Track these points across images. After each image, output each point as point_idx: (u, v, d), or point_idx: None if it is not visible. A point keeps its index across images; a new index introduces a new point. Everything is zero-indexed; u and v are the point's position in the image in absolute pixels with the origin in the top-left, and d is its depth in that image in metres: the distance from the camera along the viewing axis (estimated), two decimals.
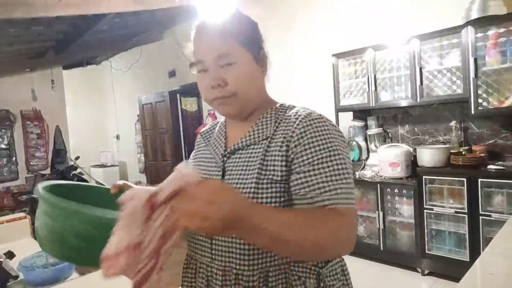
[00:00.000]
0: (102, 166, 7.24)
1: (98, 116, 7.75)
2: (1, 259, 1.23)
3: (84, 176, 5.56)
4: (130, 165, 7.47)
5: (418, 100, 2.86)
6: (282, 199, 0.72)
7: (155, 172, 6.55)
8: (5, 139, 5.97)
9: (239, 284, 0.73)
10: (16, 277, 1.23)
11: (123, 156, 7.56)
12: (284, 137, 0.74)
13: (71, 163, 5.69)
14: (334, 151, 0.71)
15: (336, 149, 0.71)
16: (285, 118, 0.78)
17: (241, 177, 0.76)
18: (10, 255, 1.37)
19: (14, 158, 6.03)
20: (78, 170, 5.48)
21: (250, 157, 0.77)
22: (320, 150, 0.70)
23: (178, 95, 6.05)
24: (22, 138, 6.08)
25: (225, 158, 0.82)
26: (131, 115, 7.08)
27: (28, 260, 1.27)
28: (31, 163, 6.18)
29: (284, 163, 0.72)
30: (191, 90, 5.74)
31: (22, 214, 2.04)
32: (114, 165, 7.31)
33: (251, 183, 0.73)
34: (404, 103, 2.96)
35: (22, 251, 1.43)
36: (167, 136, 6.20)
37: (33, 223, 1.97)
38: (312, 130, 0.72)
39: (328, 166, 0.69)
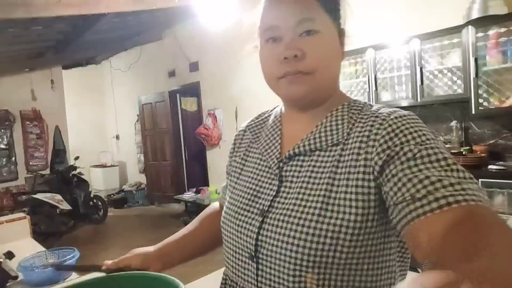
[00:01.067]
0: (102, 166, 7.24)
1: (98, 116, 7.74)
2: (1, 260, 1.23)
3: (84, 177, 5.55)
4: (129, 165, 7.47)
5: (419, 100, 2.85)
6: (356, 224, 0.54)
7: (155, 172, 6.54)
8: (5, 139, 5.96)
9: None
10: (16, 277, 1.22)
11: (123, 156, 7.55)
12: (360, 145, 0.57)
13: (71, 163, 5.68)
14: (440, 150, 0.52)
15: (442, 150, 0.52)
16: (360, 118, 0.61)
17: (304, 193, 0.59)
18: (9, 255, 1.37)
19: (13, 158, 6.02)
20: (78, 170, 5.48)
21: (315, 166, 0.60)
22: (422, 144, 0.52)
23: (178, 95, 6.05)
24: (21, 138, 6.07)
25: (281, 164, 0.64)
26: (130, 115, 7.08)
27: (27, 261, 1.27)
28: (30, 163, 6.17)
29: (361, 178, 0.55)
30: (191, 90, 5.74)
31: (21, 215, 2.02)
32: (113, 165, 7.30)
33: (317, 202, 0.56)
34: (404, 103, 2.95)
35: (22, 252, 1.42)
36: (167, 137, 6.19)
37: (32, 224, 1.96)
38: (404, 128, 0.54)
39: (438, 160, 0.50)
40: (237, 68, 4.57)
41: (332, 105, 0.65)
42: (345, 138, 0.60)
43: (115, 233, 5.18)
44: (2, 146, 5.93)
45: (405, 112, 0.58)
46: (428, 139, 0.53)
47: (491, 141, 2.75)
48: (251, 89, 4.26)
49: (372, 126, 0.57)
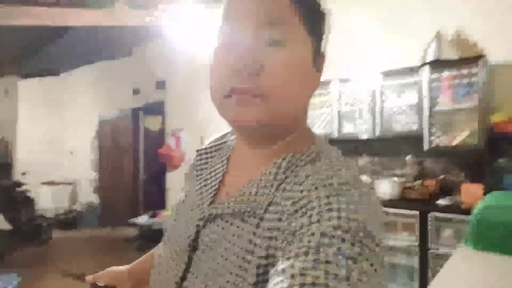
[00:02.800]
0: (52, 183, 6.80)
1: (54, 130, 7.34)
2: None
3: (31, 194, 5.19)
4: (83, 184, 7.08)
5: (378, 133, 2.97)
6: None
7: (110, 192, 6.24)
8: None
9: None
10: None
11: (77, 173, 7.17)
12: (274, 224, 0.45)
13: (17, 178, 5.30)
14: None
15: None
16: (292, 182, 0.47)
17: (211, 277, 0.47)
18: None
19: None
20: (24, 187, 5.11)
21: (230, 240, 0.47)
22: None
23: (140, 112, 5.91)
24: None
25: (201, 223, 0.52)
26: (88, 131, 6.79)
27: None
28: None
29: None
30: (155, 109, 5.63)
31: None
32: (65, 183, 6.89)
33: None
34: (364, 136, 3.06)
35: None
36: (127, 155, 5.98)
37: None
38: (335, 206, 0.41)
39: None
40: (206, 90, 4.55)
41: (289, 146, 0.52)
42: (265, 209, 0.46)
43: (60, 257, 4.81)
44: None
45: (349, 180, 0.44)
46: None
47: (441, 177, 2.89)
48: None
49: (287, 199, 0.45)
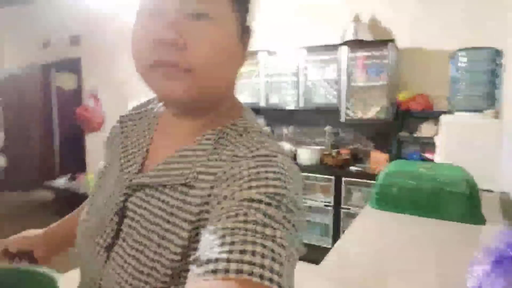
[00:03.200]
0: None
1: None
2: None
3: None
4: None
5: (301, 105, 3.20)
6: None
7: (17, 155, 5.67)
8: None
9: None
10: None
11: None
12: (201, 192, 0.47)
13: None
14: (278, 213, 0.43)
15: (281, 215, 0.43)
16: (224, 153, 0.50)
17: (138, 249, 0.49)
18: None
19: None
20: None
21: (160, 208, 0.49)
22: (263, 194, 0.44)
23: (52, 69, 5.35)
24: None
25: (129, 191, 0.53)
26: None
27: None
28: None
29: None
30: (69, 66, 5.15)
31: None
32: None
33: (147, 258, 0.47)
34: (290, 107, 3.27)
35: None
36: (37, 114, 5.43)
37: None
38: (254, 168, 0.46)
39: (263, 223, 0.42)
40: (127, 47, 4.29)
41: (217, 119, 0.54)
42: (195, 178, 0.48)
43: None
44: None
45: (274, 151, 0.48)
46: (276, 195, 0.42)
47: (354, 146, 3.27)
48: None
49: (219, 168, 0.48)
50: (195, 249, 0.43)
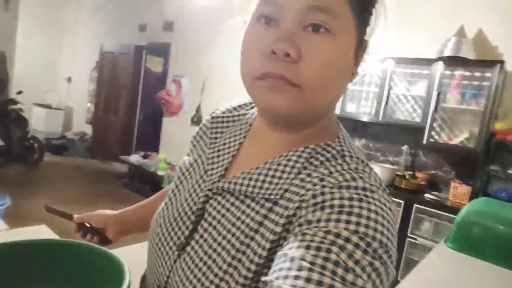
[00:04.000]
0: (46, 107, 6.72)
1: (52, 52, 7.13)
2: None
3: (24, 114, 5.14)
4: (77, 113, 7.04)
5: (380, 118, 2.99)
6: None
7: (103, 126, 6.23)
8: None
9: None
10: None
11: (72, 101, 7.08)
12: (284, 211, 0.44)
13: (12, 96, 5.22)
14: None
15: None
16: (311, 176, 0.45)
17: (215, 248, 0.48)
18: None
19: None
20: (18, 106, 5.05)
21: (239, 218, 0.48)
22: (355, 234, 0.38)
23: (144, 51, 5.76)
24: None
25: (210, 194, 0.52)
26: (89, 60, 6.62)
27: None
28: None
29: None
30: (159, 50, 5.49)
31: None
32: (59, 109, 6.82)
33: (219, 270, 0.46)
34: (366, 118, 3.08)
35: None
36: (124, 92, 5.91)
37: None
38: (347, 203, 0.40)
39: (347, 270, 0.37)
40: (215, 39, 4.44)
41: (311, 136, 0.50)
42: (280, 195, 0.45)
43: (49, 180, 4.89)
44: None
45: (372, 186, 0.43)
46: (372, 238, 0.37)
47: (432, 172, 2.98)
48: (224, 66, 4.18)
49: (307, 190, 0.43)
50: (269, 267, 0.41)
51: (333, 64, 0.44)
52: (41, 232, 1.12)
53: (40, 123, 6.43)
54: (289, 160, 0.48)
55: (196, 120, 4.67)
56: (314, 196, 0.42)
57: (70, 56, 7.04)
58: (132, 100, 5.88)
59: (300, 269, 0.35)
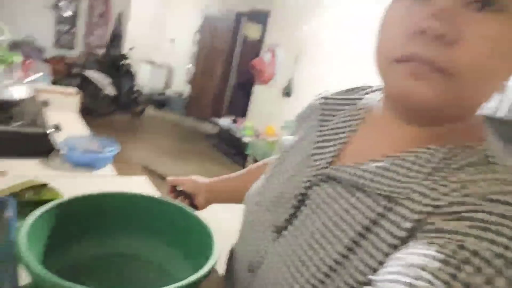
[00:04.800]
0: (152, 64, 7.32)
1: (160, 13, 7.64)
2: (49, 130, 1.28)
3: (133, 69, 5.67)
4: (177, 72, 7.53)
5: None
6: None
7: (199, 87, 6.59)
8: (71, 7, 6.06)
9: None
10: (58, 151, 1.28)
11: (173, 61, 7.59)
12: (421, 212, 0.37)
13: (125, 52, 5.78)
14: None
15: None
16: (454, 174, 0.38)
17: (314, 240, 0.44)
18: (57, 127, 1.43)
19: (74, 29, 6.17)
20: (128, 61, 5.58)
21: (348, 212, 0.42)
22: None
23: (244, 18, 5.82)
24: (86, 12, 6.14)
25: (313, 179, 0.48)
26: (192, 23, 6.95)
27: (71, 140, 1.32)
28: (88, 40, 6.32)
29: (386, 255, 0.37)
30: (258, 17, 5.49)
31: (73, 90, 2.09)
32: (163, 67, 7.38)
33: (323, 264, 0.41)
34: None
35: (68, 127, 1.48)
36: (221, 57, 6.11)
37: (81, 101, 2.03)
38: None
39: None
40: (315, 10, 4.26)
41: (449, 134, 0.42)
42: (405, 195, 0.39)
43: (149, 131, 5.42)
44: (68, 13, 6.05)
45: None
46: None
47: None
48: (322, 42, 4.01)
49: (443, 195, 0.36)
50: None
51: (501, 50, 0.35)
52: (141, 183, 1.21)
53: (145, 78, 7.05)
54: (418, 157, 0.41)
55: (287, 92, 4.63)
56: (451, 204, 0.35)
57: (176, 18, 7.47)
58: (228, 65, 6.06)
59: (417, 278, 0.30)
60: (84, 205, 0.64)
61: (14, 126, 1.20)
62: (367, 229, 0.40)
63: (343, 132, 0.50)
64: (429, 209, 0.36)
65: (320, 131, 0.53)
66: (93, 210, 0.65)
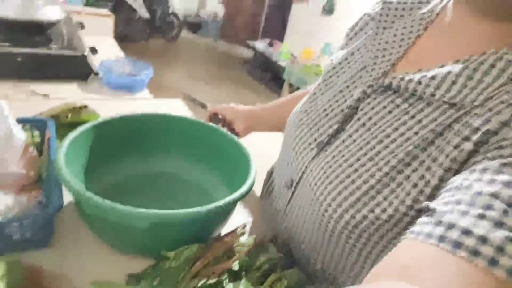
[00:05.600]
0: None
1: None
2: (86, 53, 1.28)
3: None
4: None
5: None
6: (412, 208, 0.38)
7: (234, 8, 6.25)
8: None
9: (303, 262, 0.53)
10: (97, 74, 1.29)
11: None
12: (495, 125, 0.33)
13: None
14: None
15: None
16: None
17: (367, 151, 0.42)
18: (93, 51, 1.43)
19: None
20: None
21: (405, 123, 0.40)
22: None
23: None
24: None
25: (367, 92, 0.45)
26: None
27: (108, 63, 1.32)
28: None
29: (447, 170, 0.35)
30: None
31: (106, 12, 2.05)
32: None
33: (380, 170, 0.40)
34: None
35: (103, 50, 1.47)
36: None
37: (116, 27, 2.00)
38: None
39: None
40: None
41: None
42: (474, 103, 0.35)
43: (183, 56, 5.37)
44: None
45: None
46: None
47: None
48: None
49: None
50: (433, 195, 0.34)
51: None
52: (177, 106, 1.21)
53: (179, 1, 6.77)
54: (499, 59, 0.35)
55: (328, 9, 4.28)
56: None
57: None
58: None
59: (487, 207, 0.27)
60: (123, 126, 0.65)
61: (52, 49, 1.20)
62: (429, 142, 0.37)
63: (406, 39, 0.46)
64: (507, 117, 0.32)
65: (376, 39, 0.49)
66: (131, 130, 0.66)
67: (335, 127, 0.48)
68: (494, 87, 0.35)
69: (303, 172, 0.51)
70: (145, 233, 0.45)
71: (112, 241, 0.51)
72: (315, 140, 0.50)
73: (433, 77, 0.39)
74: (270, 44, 4.96)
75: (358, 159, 0.42)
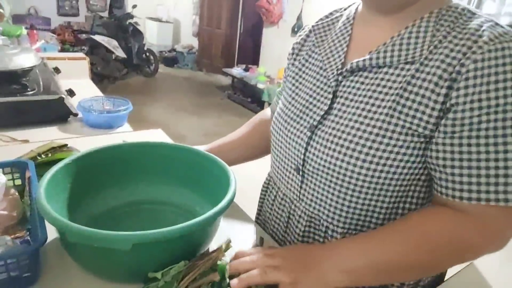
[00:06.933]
0: (157, 20, 7.13)
1: None
2: (64, 96, 1.30)
3: (139, 28, 5.54)
4: (184, 26, 7.32)
5: None
6: (417, 167, 0.51)
7: (207, 38, 6.41)
8: None
9: (325, 237, 0.60)
10: (76, 114, 1.31)
11: (179, 14, 7.35)
12: (448, 65, 0.46)
13: (129, 10, 5.62)
14: None
15: None
16: (451, 35, 0.48)
17: (360, 114, 0.52)
18: (70, 93, 1.45)
19: None
20: (134, 20, 5.44)
21: (379, 86, 0.52)
22: (500, 108, 0.43)
23: None
24: None
25: (339, 78, 0.56)
26: None
27: (86, 102, 1.34)
28: (90, 2, 6.17)
29: (437, 107, 0.47)
30: None
31: (82, 55, 2.09)
32: (169, 22, 7.18)
33: (374, 127, 0.51)
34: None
35: (81, 91, 1.50)
36: (225, 2, 5.85)
37: (90, 63, 2.03)
38: (500, 68, 0.43)
39: (505, 144, 0.44)
40: None
41: (421, 9, 0.51)
42: (424, 56, 0.49)
43: (163, 89, 5.42)
44: None
45: None
46: None
47: None
48: None
49: (464, 54, 0.45)
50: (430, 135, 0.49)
51: None
52: (157, 135, 1.23)
53: (153, 36, 6.91)
54: (419, 26, 0.51)
55: (297, 29, 4.44)
56: (470, 57, 0.45)
57: None
58: (234, 11, 5.82)
59: (503, 160, 0.44)
60: (102, 157, 0.66)
61: (29, 95, 1.22)
62: (400, 96, 0.50)
63: (344, 39, 0.60)
64: (461, 56, 0.45)
65: (321, 49, 0.62)
66: (112, 161, 0.67)
67: (325, 108, 0.57)
68: (428, 41, 0.49)
69: (304, 154, 0.59)
70: (129, 256, 0.46)
71: (98, 269, 0.51)
72: (305, 126, 0.59)
73: (383, 51, 0.52)
74: (246, 69, 5.07)
75: (356, 121, 0.52)
